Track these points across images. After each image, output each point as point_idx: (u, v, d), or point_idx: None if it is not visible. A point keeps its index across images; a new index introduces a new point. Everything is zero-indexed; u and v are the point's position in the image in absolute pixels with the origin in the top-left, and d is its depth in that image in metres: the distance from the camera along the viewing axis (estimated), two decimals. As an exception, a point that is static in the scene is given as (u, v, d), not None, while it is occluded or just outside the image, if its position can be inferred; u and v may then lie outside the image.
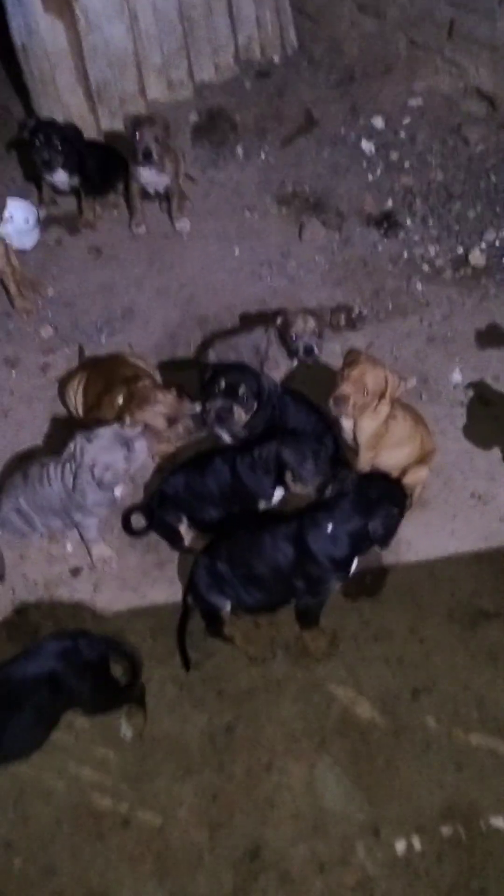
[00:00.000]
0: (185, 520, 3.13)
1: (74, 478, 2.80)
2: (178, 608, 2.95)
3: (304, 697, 2.82)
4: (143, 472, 3.38)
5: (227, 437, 3.13)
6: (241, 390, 2.97)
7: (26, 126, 4.24)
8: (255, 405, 3.02)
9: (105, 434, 2.81)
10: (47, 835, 2.55)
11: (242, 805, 2.60)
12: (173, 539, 3.16)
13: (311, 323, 3.38)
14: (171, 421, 3.08)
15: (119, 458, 2.78)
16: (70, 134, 4.21)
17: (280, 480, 2.97)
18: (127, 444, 2.81)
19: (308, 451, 2.91)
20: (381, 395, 2.89)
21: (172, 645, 2.91)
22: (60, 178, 4.34)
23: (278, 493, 3.05)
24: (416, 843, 2.52)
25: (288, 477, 2.93)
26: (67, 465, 2.85)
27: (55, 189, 4.54)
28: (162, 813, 2.58)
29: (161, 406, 3.05)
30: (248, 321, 3.99)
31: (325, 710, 2.79)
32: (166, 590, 3.12)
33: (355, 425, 3.02)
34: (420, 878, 2.46)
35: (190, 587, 2.85)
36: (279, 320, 3.42)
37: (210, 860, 2.50)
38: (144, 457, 2.95)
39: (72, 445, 2.85)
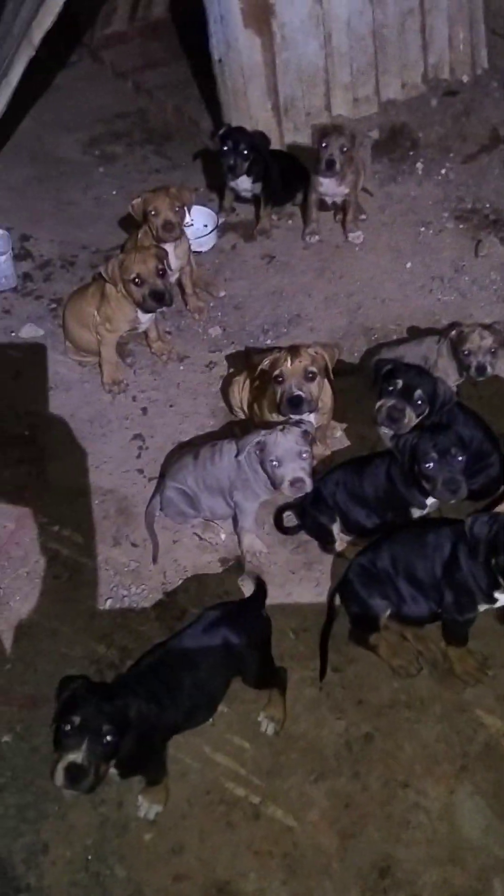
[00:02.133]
0: (338, 521, 3.10)
1: (260, 462, 2.89)
2: (324, 609, 2.93)
3: (448, 719, 2.70)
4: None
5: (388, 438, 3.07)
6: (417, 393, 2.92)
7: (217, 132, 4.41)
8: (427, 410, 2.95)
9: (295, 430, 2.88)
10: (178, 814, 2.56)
11: (375, 818, 2.51)
12: (324, 540, 3.15)
13: (489, 340, 3.27)
14: None
15: (299, 453, 2.84)
16: (257, 141, 4.35)
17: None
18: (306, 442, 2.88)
19: (449, 465, 2.79)
20: None
21: (314, 645, 2.88)
22: (244, 184, 4.48)
23: (431, 501, 2.95)
24: None
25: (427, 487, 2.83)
26: (248, 449, 2.92)
27: (237, 197, 4.70)
28: (293, 812, 2.54)
29: None
30: (416, 334, 3.93)
31: (470, 737, 2.65)
32: (312, 590, 3.10)
33: None
34: None
35: (345, 586, 2.81)
36: (453, 333, 3.33)
37: (338, 868, 2.42)
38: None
39: (255, 436, 2.92)
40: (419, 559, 2.68)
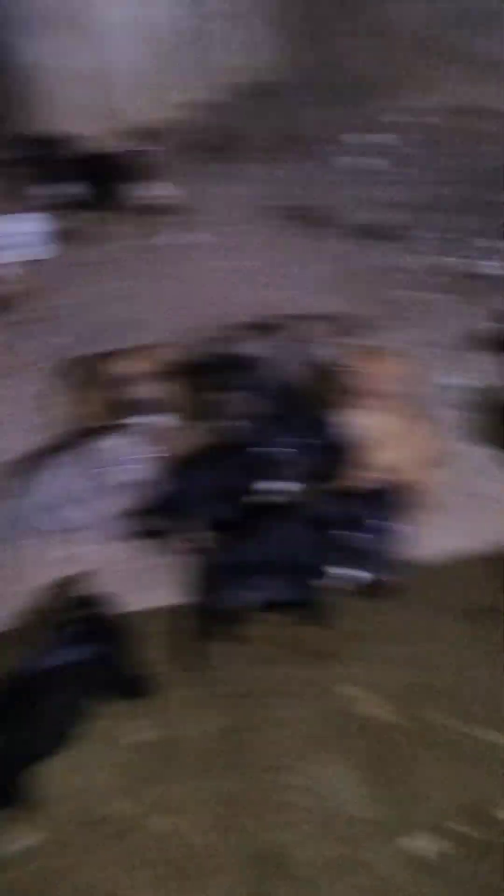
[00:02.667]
0: (188, 518, 3.11)
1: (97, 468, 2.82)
2: (183, 610, 2.93)
3: (320, 699, 2.78)
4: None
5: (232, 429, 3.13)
6: (259, 384, 2.98)
7: (25, 141, 4.29)
8: (270, 400, 3.03)
9: (125, 434, 2.84)
10: (59, 842, 2.46)
11: (257, 807, 2.54)
12: (177, 537, 3.13)
13: (320, 331, 3.36)
14: None
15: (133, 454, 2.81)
16: (74, 148, 4.27)
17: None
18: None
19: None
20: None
21: (177, 648, 2.89)
22: (64, 189, 4.37)
23: (278, 485, 3.03)
24: (438, 843, 2.47)
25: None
26: (89, 457, 2.86)
27: (60, 202, 4.58)
28: (177, 816, 2.53)
29: None
30: (251, 329, 4.00)
31: (342, 712, 2.76)
32: (169, 592, 3.08)
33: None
34: (442, 878, 2.41)
35: (202, 582, 2.83)
36: (286, 328, 3.41)
37: (227, 863, 2.44)
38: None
39: (95, 441, 2.87)
40: (273, 545, 2.74)
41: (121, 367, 3.31)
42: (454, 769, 2.62)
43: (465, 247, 4.49)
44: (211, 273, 4.43)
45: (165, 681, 2.80)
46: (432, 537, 3.18)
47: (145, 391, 3.26)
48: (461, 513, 3.28)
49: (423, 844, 2.47)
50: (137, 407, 3.14)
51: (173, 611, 2.98)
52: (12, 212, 4.06)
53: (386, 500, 2.81)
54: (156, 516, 3.16)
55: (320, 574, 2.72)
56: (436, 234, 4.57)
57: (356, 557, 2.75)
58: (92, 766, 2.62)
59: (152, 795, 2.57)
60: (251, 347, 3.56)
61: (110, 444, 2.91)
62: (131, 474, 2.90)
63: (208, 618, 2.86)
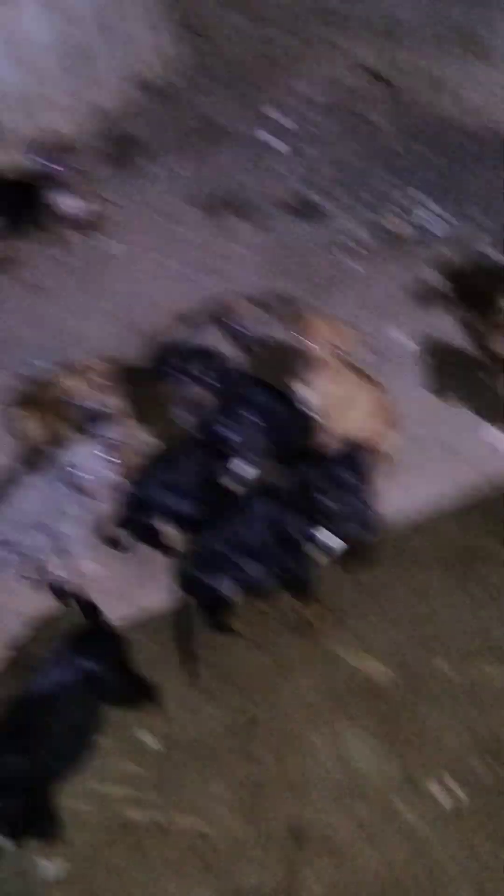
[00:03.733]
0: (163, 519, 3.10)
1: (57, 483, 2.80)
2: (172, 610, 2.92)
3: (320, 670, 2.80)
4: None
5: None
6: (208, 374, 2.99)
7: None
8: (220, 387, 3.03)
9: (85, 444, 2.82)
10: (85, 861, 2.46)
11: (277, 789, 2.55)
12: (156, 540, 3.13)
13: (252, 311, 3.37)
14: None
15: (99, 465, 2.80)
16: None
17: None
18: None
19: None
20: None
21: (173, 648, 2.87)
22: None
23: (249, 471, 3.03)
24: (455, 787, 2.50)
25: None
26: (55, 474, 2.84)
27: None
28: (199, 814, 2.52)
29: None
30: (190, 324, 4.00)
31: (344, 678, 2.77)
32: (157, 594, 3.07)
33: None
34: (469, 819, 2.44)
35: (187, 578, 2.82)
36: (223, 312, 3.42)
37: (255, 850, 2.44)
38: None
39: (58, 458, 2.85)
40: (247, 528, 2.74)
41: (66, 384, 3.27)
42: (462, 713, 2.65)
43: (385, 207, 4.55)
44: (142, 274, 4.40)
45: (167, 682, 2.79)
46: (402, 493, 3.21)
47: (94, 403, 3.23)
48: (428, 466, 3.31)
49: (446, 789, 2.50)
50: (92, 418, 3.12)
51: (165, 613, 2.96)
52: None
53: (354, 463, 2.82)
54: (131, 522, 3.14)
55: (300, 546, 2.73)
56: (354, 202, 4.62)
57: (333, 522, 2.76)
58: (107, 776, 2.60)
59: (172, 797, 2.56)
60: (196, 337, 3.56)
61: (73, 459, 2.89)
62: (100, 483, 2.88)
63: (197, 613, 2.85)
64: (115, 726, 2.68)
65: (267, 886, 2.37)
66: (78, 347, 4.06)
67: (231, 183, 4.87)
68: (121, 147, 5.17)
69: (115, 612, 3.03)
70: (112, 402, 3.22)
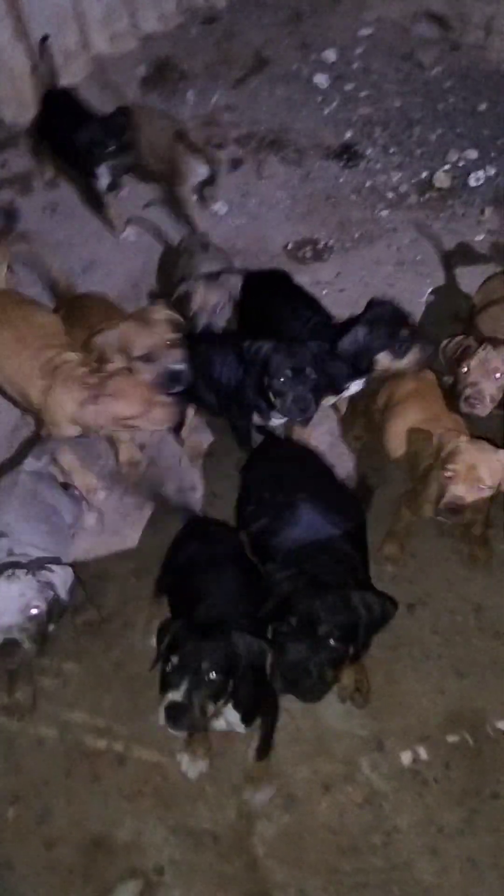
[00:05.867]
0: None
1: None
2: (161, 548, 2.84)
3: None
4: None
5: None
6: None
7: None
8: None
9: None
10: (41, 782, 2.45)
11: (244, 738, 2.48)
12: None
13: (213, 297, 3.11)
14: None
15: None
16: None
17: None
18: None
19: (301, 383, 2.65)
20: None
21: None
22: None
23: (278, 419, 2.90)
24: (423, 754, 2.44)
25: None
26: None
27: None
28: (158, 748, 2.49)
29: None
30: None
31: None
32: (147, 531, 3.02)
33: None
34: (429, 787, 2.38)
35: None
36: (180, 290, 3.16)
37: (211, 790, 2.41)
38: None
39: None
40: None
41: (137, 340, 2.81)
42: (439, 680, 2.57)
43: (432, 159, 4.32)
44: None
45: (142, 618, 2.74)
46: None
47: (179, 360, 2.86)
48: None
49: (413, 753, 2.43)
50: (177, 379, 2.82)
51: (149, 550, 2.91)
52: None
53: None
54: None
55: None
56: (399, 151, 4.39)
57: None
58: (75, 704, 2.58)
59: (135, 730, 2.52)
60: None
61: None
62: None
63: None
64: (89, 655, 2.66)
65: (220, 827, 2.34)
66: (94, 274, 3.98)
67: (269, 118, 4.67)
68: (159, 73, 4.98)
69: (100, 544, 3.00)
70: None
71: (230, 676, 1.97)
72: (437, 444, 2.46)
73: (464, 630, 2.69)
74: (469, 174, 4.25)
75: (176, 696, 1.92)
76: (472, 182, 4.24)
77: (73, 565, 2.52)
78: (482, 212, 4.07)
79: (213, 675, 1.94)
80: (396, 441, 2.72)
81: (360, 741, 2.47)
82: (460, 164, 4.32)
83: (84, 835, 2.34)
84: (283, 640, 2.07)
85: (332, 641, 2.04)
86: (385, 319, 2.71)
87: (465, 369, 2.63)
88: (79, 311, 3.11)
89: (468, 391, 2.60)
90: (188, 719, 1.93)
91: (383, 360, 2.74)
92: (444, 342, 2.82)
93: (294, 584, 2.13)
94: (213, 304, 3.10)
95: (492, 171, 4.26)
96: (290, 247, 4.03)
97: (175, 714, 1.92)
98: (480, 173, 4.25)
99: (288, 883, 2.24)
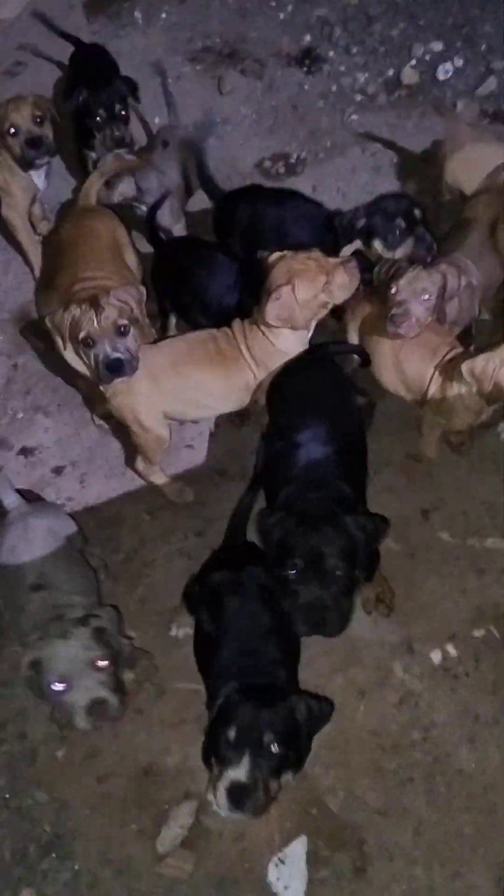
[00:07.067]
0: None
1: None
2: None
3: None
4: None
5: None
6: None
7: None
8: None
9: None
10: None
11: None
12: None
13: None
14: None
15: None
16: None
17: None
18: None
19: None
20: None
21: (172, 522, 2.85)
22: None
23: None
24: (452, 651, 2.51)
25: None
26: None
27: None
28: (195, 679, 2.53)
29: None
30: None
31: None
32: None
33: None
34: (461, 681, 2.45)
35: None
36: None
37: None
38: None
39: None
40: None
41: (83, 323, 2.63)
42: (460, 580, 2.62)
43: (397, 56, 4.16)
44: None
45: (161, 554, 2.75)
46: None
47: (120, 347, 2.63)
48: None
49: (444, 653, 2.50)
50: (116, 368, 2.61)
51: (159, 488, 2.91)
52: None
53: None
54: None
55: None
56: (363, 50, 4.21)
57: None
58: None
59: (171, 664, 2.56)
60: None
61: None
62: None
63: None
64: (119, 594, 2.70)
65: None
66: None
67: (222, 30, 4.45)
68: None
69: (109, 487, 2.99)
70: (136, 347, 2.62)
71: (292, 747, 1.81)
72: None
73: (478, 529, 2.73)
74: (437, 67, 4.10)
75: (238, 774, 1.73)
76: (441, 75, 4.09)
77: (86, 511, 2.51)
78: (454, 105, 3.94)
79: (275, 747, 1.76)
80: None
81: (389, 647, 2.53)
82: (426, 57, 4.16)
83: (133, 766, 2.40)
84: (293, 585, 2.07)
85: (338, 573, 2.05)
86: (387, 209, 2.86)
87: (394, 289, 2.57)
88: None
89: (395, 310, 2.54)
90: (253, 801, 1.74)
91: (377, 246, 2.90)
92: (379, 265, 2.81)
93: (284, 528, 2.11)
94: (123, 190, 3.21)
95: (460, 62, 4.11)
96: (261, 164, 3.90)
97: (239, 797, 1.73)
98: (448, 65, 4.10)
99: (336, 787, 2.32)
